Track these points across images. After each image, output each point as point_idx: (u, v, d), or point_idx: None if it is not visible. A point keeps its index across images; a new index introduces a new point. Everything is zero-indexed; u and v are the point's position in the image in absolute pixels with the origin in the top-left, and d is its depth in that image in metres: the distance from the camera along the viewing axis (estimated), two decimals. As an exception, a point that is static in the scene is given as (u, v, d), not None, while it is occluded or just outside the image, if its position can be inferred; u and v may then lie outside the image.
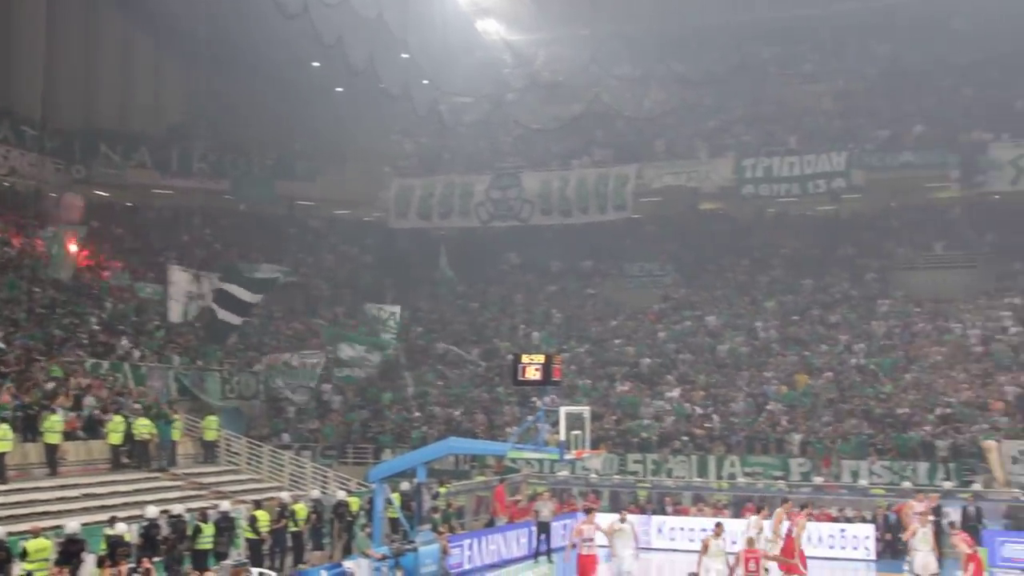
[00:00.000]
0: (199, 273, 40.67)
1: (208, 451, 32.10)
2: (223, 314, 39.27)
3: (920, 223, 44.76)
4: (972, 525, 24.95)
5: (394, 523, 24.17)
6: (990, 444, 29.75)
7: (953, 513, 25.99)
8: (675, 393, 37.44)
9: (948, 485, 28.64)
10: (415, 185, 50.24)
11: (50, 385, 28.80)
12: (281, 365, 39.85)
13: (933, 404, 33.76)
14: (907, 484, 29.28)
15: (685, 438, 34.60)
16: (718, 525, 21.27)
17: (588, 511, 21.76)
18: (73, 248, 38.85)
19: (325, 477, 32.28)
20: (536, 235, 49.30)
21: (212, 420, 32.53)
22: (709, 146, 47.29)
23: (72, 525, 19.83)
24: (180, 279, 39.44)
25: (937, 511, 24.90)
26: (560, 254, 49.47)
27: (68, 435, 27.19)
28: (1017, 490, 27.80)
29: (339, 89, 50.71)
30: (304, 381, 39.88)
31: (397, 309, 42.32)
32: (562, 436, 21.19)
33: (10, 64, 44.19)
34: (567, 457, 21.67)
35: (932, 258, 43.12)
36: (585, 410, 22.11)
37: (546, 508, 27.08)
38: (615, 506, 29.89)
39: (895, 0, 44.61)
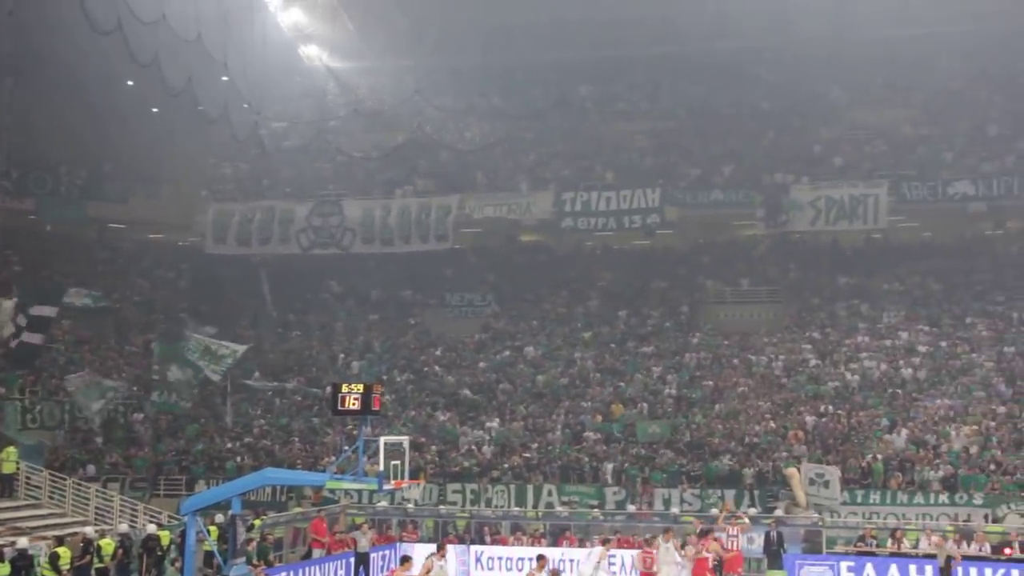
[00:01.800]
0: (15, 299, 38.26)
1: (5, 484, 30.26)
2: (27, 336, 37.22)
3: (728, 259, 46.80)
4: (775, 549, 26.06)
5: (208, 556, 23.35)
6: (792, 471, 31.21)
7: (757, 538, 27.10)
8: (494, 423, 37.66)
9: (753, 511, 29.85)
10: (234, 210, 49.15)
11: None
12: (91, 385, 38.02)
13: (741, 434, 35.15)
14: (714, 511, 30.35)
15: (505, 467, 34.81)
16: (541, 557, 21.37)
17: (404, 560, 21.36)
18: None
19: (134, 510, 30.88)
20: (357, 263, 48.98)
21: (11, 451, 30.74)
22: (529, 179, 48.17)
23: None
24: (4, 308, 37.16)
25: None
26: (381, 283, 49.23)
27: None
28: (815, 515, 29.24)
29: (155, 110, 49.04)
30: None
31: (235, 344, 40.92)
32: (381, 466, 21.03)
33: None
34: (386, 487, 21.53)
35: (739, 293, 45.11)
36: (404, 440, 22.11)
37: (364, 539, 26.73)
38: (435, 537, 29.77)
39: (706, 46, 46.74)
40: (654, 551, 23.10)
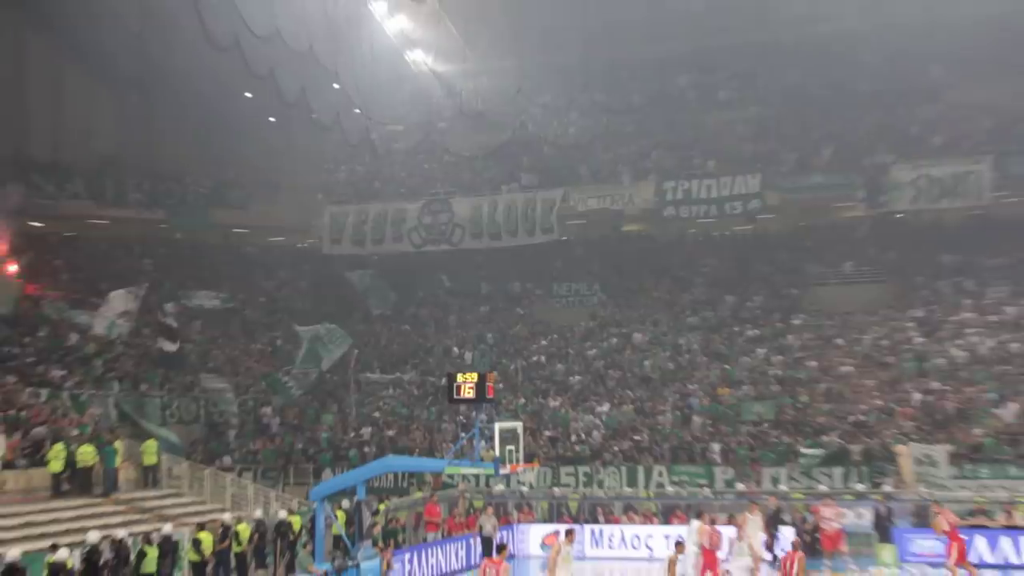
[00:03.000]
0: (136, 292, 39.91)
1: (149, 475, 31.65)
2: (166, 345, 38.93)
3: (830, 241, 45.95)
4: (883, 524, 25.70)
5: (336, 540, 24.10)
6: (901, 448, 30.65)
7: (867, 513, 26.75)
8: (604, 408, 37.84)
9: (860, 488, 29.42)
10: (348, 212, 50.28)
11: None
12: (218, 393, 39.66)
13: (846, 412, 34.64)
14: (823, 488, 30.02)
15: (616, 450, 34.98)
16: (679, 544, 20.92)
17: (500, 549, 20.12)
18: (10, 279, 38.16)
19: (267, 498, 32.00)
20: (467, 258, 49.64)
21: (151, 444, 32.05)
22: (631, 170, 48.04)
23: (12, 553, 19.41)
24: (118, 299, 38.76)
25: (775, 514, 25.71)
26: (491, 276, 49.80)
27: (6, 464, 26.65)
28: (924, 490, 28.69)
29: (272, 119, 50.59)
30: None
31: (341, 332, 42.07)
32: (496, 451, 21.22)
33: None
34: (502, 471, 21.69)
35: (841, 274, 44.27)
36: (518, 426, 22.22)
37: (488, 523, 27.18)
38: (550, 517, 30.16)
39: (803, 32, 45.94)
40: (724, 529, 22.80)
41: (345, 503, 27.10)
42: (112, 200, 49.10)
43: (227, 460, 37.43)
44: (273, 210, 51.50)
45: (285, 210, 51.49)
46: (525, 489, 31.91)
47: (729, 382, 38.02)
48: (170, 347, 39.99)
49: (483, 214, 48.04)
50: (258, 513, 26.70)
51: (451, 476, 32.56)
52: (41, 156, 48.04)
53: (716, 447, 34.15)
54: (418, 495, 32.67)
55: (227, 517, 24.88)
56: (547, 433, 36.70)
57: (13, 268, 37.70)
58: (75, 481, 28.37)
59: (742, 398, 36.78)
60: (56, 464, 27.72)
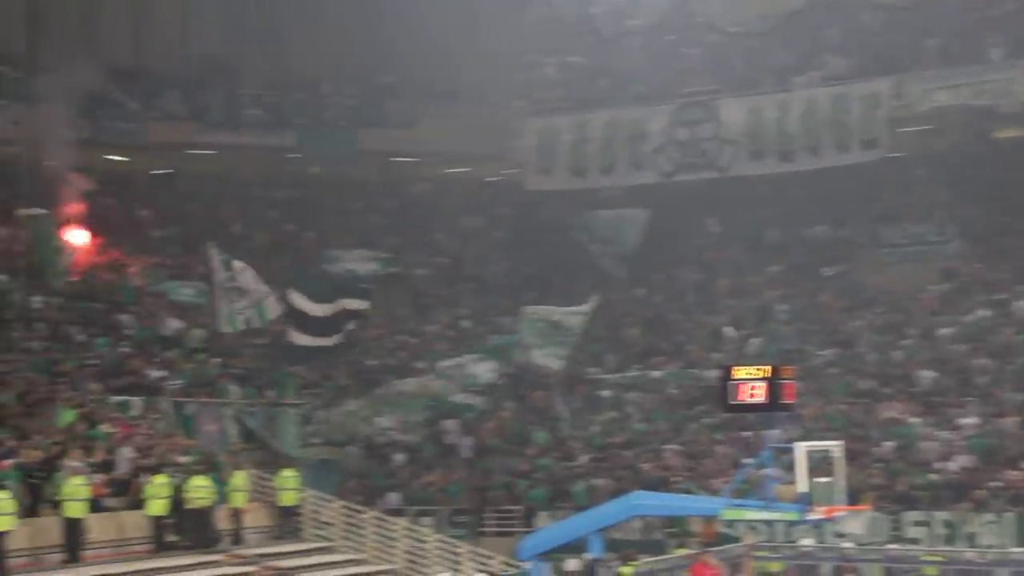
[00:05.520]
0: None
1: (286, 521, 32.50)
2: (301, 338, 39.95)
3: None
4: None
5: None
6: None
7: None
8: (972, 419, 36.65)
9: None
10: (562, 126, 50.31)
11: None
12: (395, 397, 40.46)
13: None
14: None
15: (993, 486, 33.74)
16: None
17: None
18: (80, 239, 39.95)
19: (455, 554, 32.35)
20: (744, 191, 49.07)
21: (289, 476, 32.94)
22: (1007, 44, 45.96)
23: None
24: (246, 276, 39.94)
25: None
26: (780, 218, 49.07)
27: (94, 504, 27.83)
28: None
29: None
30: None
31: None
32: (802, 486, 21.47)
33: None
34: (811, 517, 21.69)
35: None
36: (835, 447, 22.15)
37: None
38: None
39: None
40: None
41: (572, 564, 27.06)
42: (220, 120, 50.82)
43: (395, 499, 38.11)
44: (451, 129, 52.09)
45: (468, 128, 51.93)
46: (849, 546, 31.08)
47: None
48: (308, 340, 40.93)
49: (766, 122, 47.22)
50: (446, 577, 27.07)
51: (730, 524, 31.96)
52: (121, 59, 50.02)
53: None
54: (680, 553, 32.38)
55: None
56: (880, 459, 35.74)
57: (83, 236, 39.32)
58: (184, 528, 29.31)
59: None
60: (157, 505, 28.73)
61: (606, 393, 42.80)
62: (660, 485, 35.48)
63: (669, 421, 40.44)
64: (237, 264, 40.09)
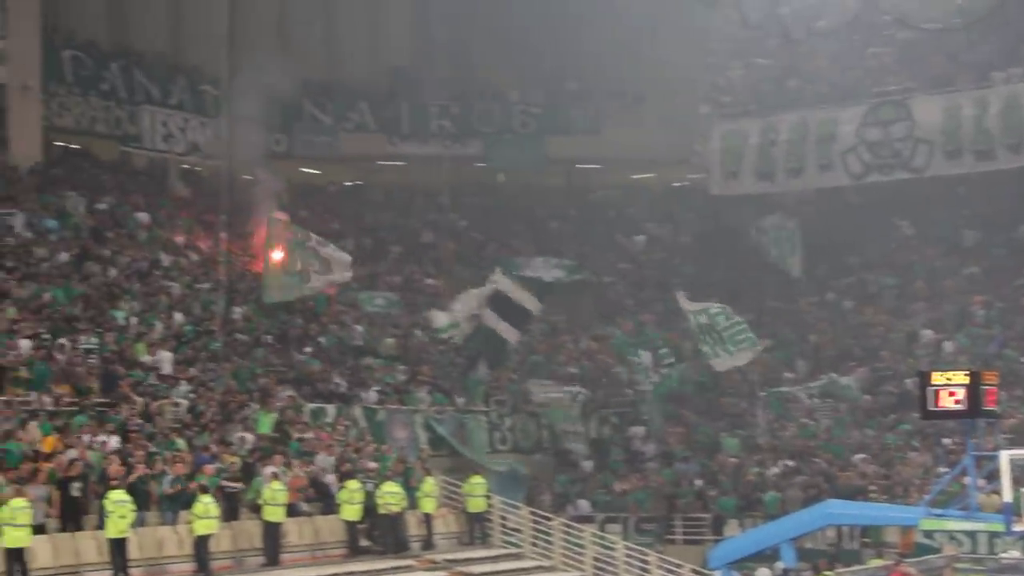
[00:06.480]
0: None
1: (475, 527, 32.92)
2: (503, 327, 40.37)
3: None
4: None
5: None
6: None
7: None
8: None
9: None
10: (748, 129, 50.01)
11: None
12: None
13: None
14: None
15: None
16: None
17: None
18: (279, 253, 40.90)
19: (644, 562, 32.39)
20: (940, 192, 48.34)
21: (477, 482, 33.33)
22: None
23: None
24: (469, 299, 40.77)
25: None
26: (980, 218, 48.19)
27: (291, 509, 28.60)
28: None
29: (629, -4, 51.12)
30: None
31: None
32: (1006, 495, 21.22)
33: (181, 10, 47.41)
34: (1016, 528, 21.26)
35: None
36: None
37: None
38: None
39: None
40: None
41: (763, 573, 26.91)
42: (409, 132, 51.65)
43: (584, 505, 38.29)
44: (636, 134, 52.06)
45: (654, 133, 51.93)
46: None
47: None
48: (512, 336, 41.31)
49: (963, 119, 46.23)
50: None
51: (929, 534, 31.43)
52: (314, 73, 51.12)
53: None
54: (876, 564, 31.92)
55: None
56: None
57: (279, 256, 40.43)
58: (376, 533, 29.98)
59: None
60: (351, 510, 29.38)
61: (796, 399, 42.45)
62: (853, 493, 35.15)
63: (863, 428, 39.99)
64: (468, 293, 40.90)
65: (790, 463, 38.64)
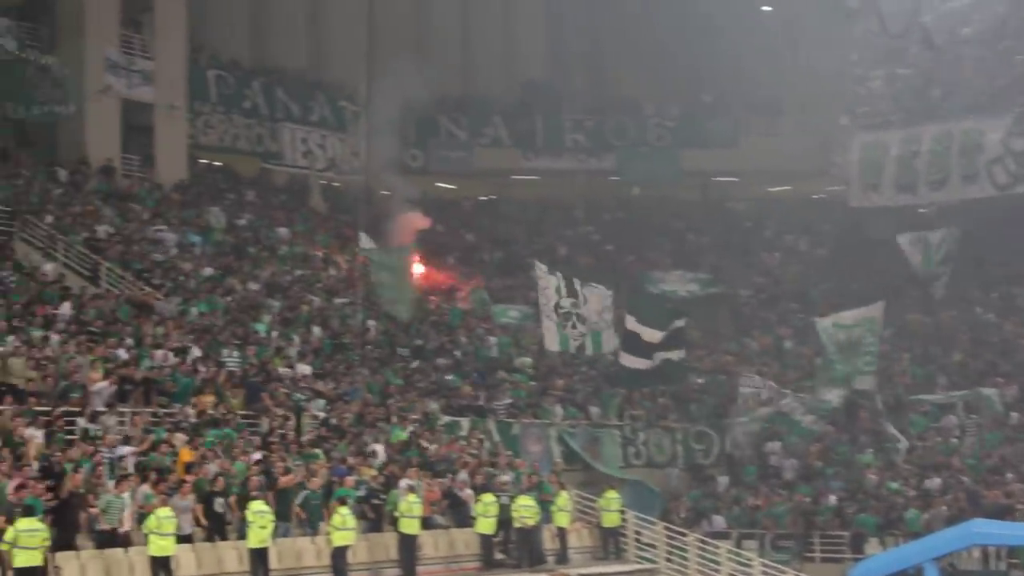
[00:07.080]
0: (575, 281, 41.29)
1: (610, 542, 32.84)
2: (630, 360, 40.11)
3: None
4: None
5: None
6: None
7: None
8: None
9: None
10: (890, 141, 49.35)
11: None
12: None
13: None
14: None
15: None
16: None
17: None
18: (418, 268, 41.26)
19: (781, 580, 32.12)
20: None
21: (612, 497, 33.21)
22: None
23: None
24: (548, 287, 40.26)
25: None
26: None
27: (426, 521, 28.80)
28: None
29: (766, 8, 50.73)
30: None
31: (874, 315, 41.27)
32: None
33: (321, 28, 48.05)
34: None
35: None
36: None
37: None
38: None
39: None
40: None
41: (906, 592, 26.44)
42: (543, 146, 51.78)
43: (719, 521, 37.96)
44: (773, 146, 51.88)
45: (791, 144, 51.64)
46: None
47: None
48: (637, 362, 41.02)
49: (1119, 130, 45.21)
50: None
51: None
52: (450, 88, 51.48)
53: None
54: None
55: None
56: None
57: (420, 265, 40.45)
58: (511, 546, 30.06)
59: None
60: (486, 523, 29.47)
61: (940, 413, 41.78)
62: (1000, 512, 34.42)
63: (1011, 445, 39.21)
64: (588, 292, 40.58)
65: (935, 480, 38.03)
